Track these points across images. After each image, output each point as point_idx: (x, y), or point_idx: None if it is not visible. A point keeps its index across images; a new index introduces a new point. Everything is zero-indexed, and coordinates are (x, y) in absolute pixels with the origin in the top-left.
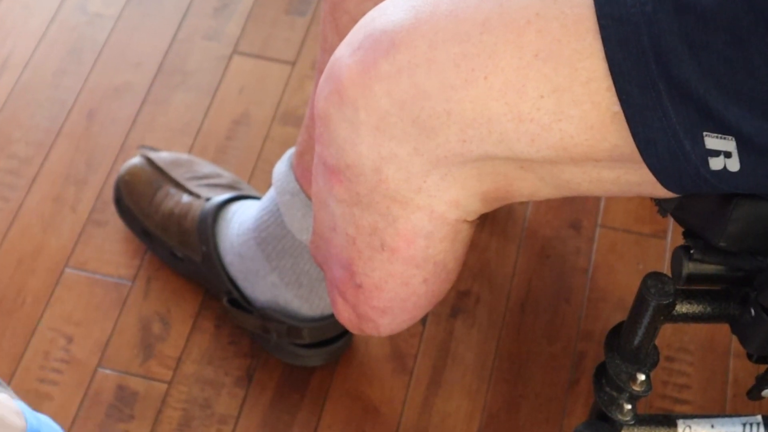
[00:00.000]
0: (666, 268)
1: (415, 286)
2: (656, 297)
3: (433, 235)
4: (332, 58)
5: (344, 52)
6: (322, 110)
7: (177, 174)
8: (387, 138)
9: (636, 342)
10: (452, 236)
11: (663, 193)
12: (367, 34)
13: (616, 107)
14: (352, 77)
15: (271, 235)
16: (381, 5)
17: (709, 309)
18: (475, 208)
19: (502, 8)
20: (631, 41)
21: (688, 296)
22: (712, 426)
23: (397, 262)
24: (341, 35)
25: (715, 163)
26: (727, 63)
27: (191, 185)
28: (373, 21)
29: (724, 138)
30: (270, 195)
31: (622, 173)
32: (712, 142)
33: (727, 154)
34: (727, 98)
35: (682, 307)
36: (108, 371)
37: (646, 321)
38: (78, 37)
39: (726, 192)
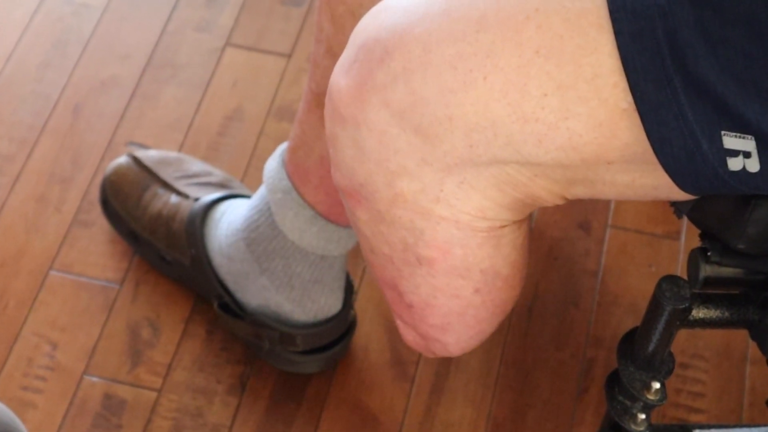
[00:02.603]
0: (679, 271)
1: (467, 297)
2: (672, 301)
3: (468, 243)
4: (331, 76)
5: (340, 69)
6: (329, 131)
7: (165, 173)
8: (392, 152)
9: (650, 349)
10: (493, 242)
11: (680, 196)
12: (361, 45)
13: (625, 104)
14: (349, 94)
15: (261, 235)
16: (374, 9)
17: (727, 314)
18: (504, 216)
19: (498, 4)
20: (645, 35)
21: (705, 301)
22: None
23: (438, 274)
24: (337, 26)
25: (734, 164)
26: (746, 58)
27: (180, 185)
28: (365, 29)
29: (743, 137)
30: (260, 193)
31: (636, 176)
32: (730, 141)
33: (747, 154)
34: (746, 95)
35: (698, 312)
36: (95, 379)
37: (661, 327)
38: (63, 28)
39: (745, 193)
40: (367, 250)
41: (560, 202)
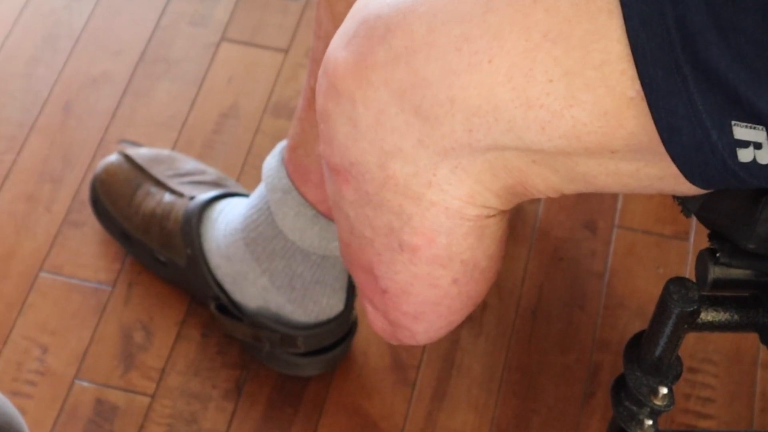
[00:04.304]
0: (688, 272)
1: (444, 287)
2: (680, 304)
3: (454, 232)
4: (328, 49)
5: (338, 42)
6: (321, 106)
7: (158, 171)
8: (389, 131)
9: (657, 353)
10: (477, 232)
11: (686, 188)
12: (361, 21)
13: (632, 92)
14: (347, 69)
15: (260, 235)
16: None
17: (736, 317)
18: (493, 204)
19: None
20: (655, 21)
21: (714, 303)
22: None
23: (419, 262)
24: (337, 21)
25: (744, 155)
26: (758, 46)
27: (173, 183)
28: (366, 6)
29: (754, 128)
30: (260, 192)
31: (641, 166)
32: (741, 131)
33: (757, 145)
34: (758, 84)
35: (707, 315)
36: (86, 383)
37: (668, 330)
38: (54, 22)
39: (755, 187)
40: (346, 231)
41: (553, 194)
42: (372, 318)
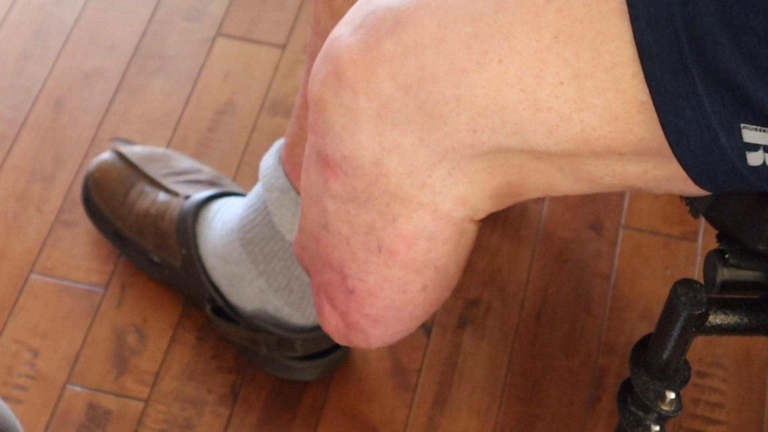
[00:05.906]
0: (696, 274)
1: (413, 293)
2: (687, 306)
3: (436, 237)
4: (330, 36)
5: (344, 30)
6: (317, 95)
7: (152, 170)
8: (389, 126)
9: (665, 356)
10: (456, 238)
11: (694, 190)
12: (370, 11)
13: (644, 96)
14: (352, 58)
15: (257, 235)
16: None
17: (745, 320)
18: (484, 206)
19: None
20: (662, 21)
21: (723, 306)
22: None
23: (395, 265)
24: (335, 17)
25: (754, 158)
26: None
27: (168, 182)
28: None
29: (764, 130)
30: (256, 192)
31: (649, 168)
32: (750, 134)
33: (767, 149)
34: None
35: (715, 318)
36: (78, 388)
37: (676, 333)
38: (44, 17)
39: (765, 190)
40: (318, 225)
41: (553, 193)
42: (327, 316)
